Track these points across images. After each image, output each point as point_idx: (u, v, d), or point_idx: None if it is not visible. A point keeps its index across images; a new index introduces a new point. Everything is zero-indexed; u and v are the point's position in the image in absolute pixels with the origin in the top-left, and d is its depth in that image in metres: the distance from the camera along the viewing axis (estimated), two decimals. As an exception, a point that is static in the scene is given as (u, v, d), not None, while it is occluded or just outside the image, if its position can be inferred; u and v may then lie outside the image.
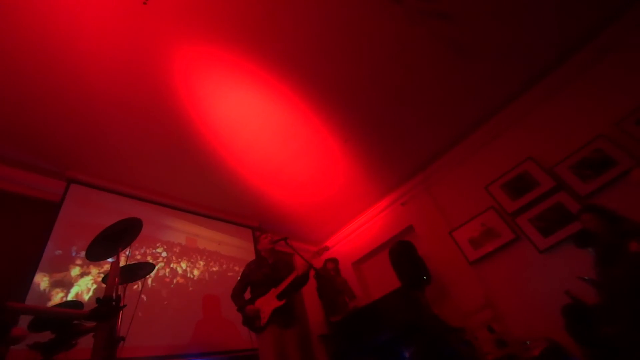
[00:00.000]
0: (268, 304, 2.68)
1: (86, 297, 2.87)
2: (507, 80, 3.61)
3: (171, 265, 3.64)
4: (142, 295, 2.94)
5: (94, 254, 2.06)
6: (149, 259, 3.43)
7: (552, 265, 3.21)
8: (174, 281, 3.56)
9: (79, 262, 3.00)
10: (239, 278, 3.03)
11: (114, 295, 1.60)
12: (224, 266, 4.18)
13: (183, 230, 4.05)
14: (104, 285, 2.18)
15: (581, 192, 3.18)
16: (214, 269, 4.04)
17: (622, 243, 2.24)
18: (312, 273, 2.92)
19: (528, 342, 2.93)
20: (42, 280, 2.70)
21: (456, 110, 3.81)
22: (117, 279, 1.70)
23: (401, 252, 3.90)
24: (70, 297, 2.79)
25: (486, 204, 3.84)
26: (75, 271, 2.95)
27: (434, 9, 2.69)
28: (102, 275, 2.96)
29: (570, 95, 3.52)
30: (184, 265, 3.77)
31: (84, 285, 2.93)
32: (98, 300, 1.52)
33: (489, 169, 3.94)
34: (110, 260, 2.31)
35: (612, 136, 3.13)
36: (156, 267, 3.38)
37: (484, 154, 4.10)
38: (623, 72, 3.21)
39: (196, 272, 3.83)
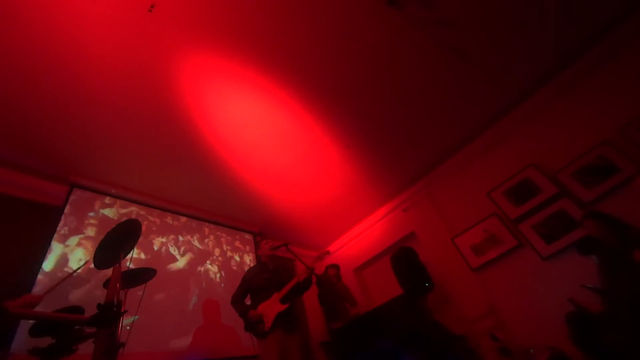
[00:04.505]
0: (271, 308, 2.67)
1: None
2: (509, 86, 3.62)
3: (172, 271, 3.63)
4: (143, 301, 2.92)
5: (102, 263, 2.05)
6: (150, 265, 3.42)
7: (555, 273, 3.18)
8: (175, 287, 3.54)
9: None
10: (239, 284, 3.02)
11: (115, 300, 1.60)
12: (225, 272, 4.16)
13: (185, 235, 4.05)
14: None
15: (584, 199, 3.16)
16: (215, 274, 4.02)
17: (626, 251, 2.22)
18: (313, 279, 2.91)
19: (531, 350, 2.90)
20: (43, 284, 2.70)
21: (458, 116, 3.81)
22: (118, 285, 1.70)
23: (403, 258, 3.88)
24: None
25: (489, 211, 3.82)
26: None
27: (435, 15, 2.71)
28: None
29: (573, 102, 3.52)
30: (184, 269, 3.76)
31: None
32: (99, 305, 1.52)
33: (492, 176, 3.93)
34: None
35: (615, 143, 3.12)
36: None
37: (487, 160, 4.10)
38: (626, 78, 3.21)
39: (197, 278, 3.81)
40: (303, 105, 3.22)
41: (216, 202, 4.26)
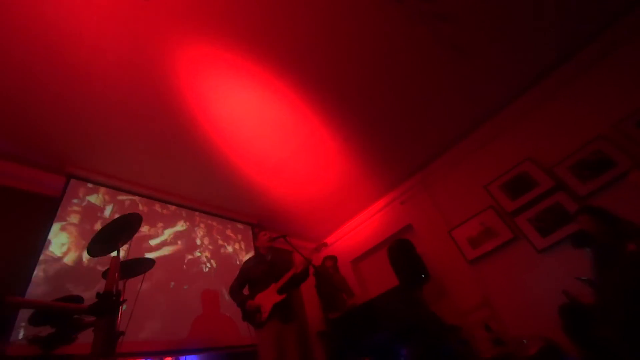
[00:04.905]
0: (268, 298, 2.70)
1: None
2: (507, 80, 3.61)
3: (171, 261, 3.64)
4: (142, 291, 2.94)
5: (95, 250, 2.07)
6: (149, 255, 3.43)
7: (550, 265, 3.22)
8: (174, 276, 3.56)
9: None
10: (237, 274, 3.05)
11: (114, 290, 1.61)
12: (223, 262, 4.18)
13: (182, 226, 4.05)
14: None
15: (580, 193, 3.19)
16: (213, 264, 4.05)
17: (619, 244, 2.25)
18: (311, 270, 2.94)
19: (525, 341, 2.95)
20: (41, 275, 2.71)
21: (456, 109, 3.81)
22: (117, 274, 1.71)
23: (400, 250, 3.92)
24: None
25: (485, 204, 3.85)
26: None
27: (435, 9, 2.69)
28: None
29: (570, 96, 3.52)
30: (191, 265, 3.79)
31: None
32: (98, 295, 1.53)
33: (489, 169, 3.95)
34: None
35: (612, 137, 3.13)
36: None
37: (484, 153, 4.11)
38: (623, 73, 3.22)
39: (195, 268, 3.83)
40: (301, 97, 3.20)
41: (215, 194, 4.26)
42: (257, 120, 3.35)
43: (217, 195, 4.31)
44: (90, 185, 3.48)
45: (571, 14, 3.06)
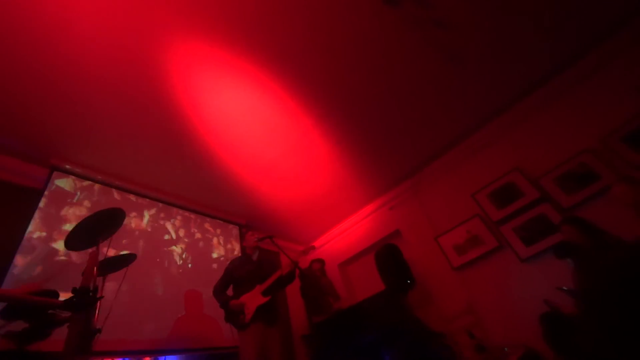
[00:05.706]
0: (253, 300, 2.66)
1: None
2: (499, 90, 3.66)
3: (153, 258, 3.57)
4: (122, 288, 2.86)
5: (73, 244, 2.01)
6: (130, 251, 3.35)
7: (532, 274, 3.26)
8: (156, 275, 3.49)
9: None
10: (222, 274, 3.00)
11: (91, 286, 1.57)
12: (208, 262, 4.12)
13: (167, 223, 3.98)
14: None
15: (564, 204, 3.25)
16: (197, 264, 3.98)
17: (600, 255, 2.30)
18: (297, 272, 2.92)
19: (506, 349, 2.98)
20: (19, 267, 2.63)
21: (447, 118, 3.85)
22: (95, 270, 1.66)
23: (387, 255, 3.93)
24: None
25: (472, 212, 3.89)
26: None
27: (430, 15, 2.72)
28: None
29: (559, 109, 3.59)
30: (166, 258, 3.71)
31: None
32: (74, 290, 1.48)
33: (477, 178, 4.00)
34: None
35: (597, 151, 3.20)
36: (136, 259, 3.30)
37: (473, 162, 4.16)
38: (612, 88, 3.29)
39: (179, 267, 3.77)
40: (294, 98, 3.19)
41: (202, 192, 4.20)
42: (249, 119, 3.32)
43: (206, 194, 4.26)
44: (71, 175, 3.38)
45: (565, 28, 3.12)
